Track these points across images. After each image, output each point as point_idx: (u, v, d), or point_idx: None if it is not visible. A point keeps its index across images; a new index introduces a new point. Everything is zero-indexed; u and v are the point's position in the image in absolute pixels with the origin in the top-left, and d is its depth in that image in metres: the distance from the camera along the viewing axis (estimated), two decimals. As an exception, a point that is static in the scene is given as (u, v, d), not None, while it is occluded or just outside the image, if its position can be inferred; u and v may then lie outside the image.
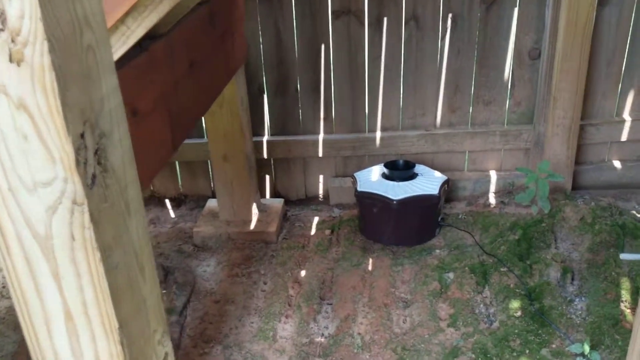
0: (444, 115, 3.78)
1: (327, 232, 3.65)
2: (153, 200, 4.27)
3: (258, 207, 3.78)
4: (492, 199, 3.80)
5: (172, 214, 4.16)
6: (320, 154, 3.89)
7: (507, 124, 3.77)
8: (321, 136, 3.87)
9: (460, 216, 3.61)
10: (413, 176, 3.46)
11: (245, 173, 3.58)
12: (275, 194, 4.12)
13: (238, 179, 3.60)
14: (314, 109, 3.81)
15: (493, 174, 3.84)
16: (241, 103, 3.44)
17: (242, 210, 3.70)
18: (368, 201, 3.40)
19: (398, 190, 3.32)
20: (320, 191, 4.09)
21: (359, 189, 3.41)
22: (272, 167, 4.04)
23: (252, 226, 3.68)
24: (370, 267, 3.28)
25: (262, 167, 4.00)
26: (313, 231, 3.72)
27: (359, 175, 3.60)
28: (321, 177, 4.05)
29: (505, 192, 3.81)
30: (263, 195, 4.11)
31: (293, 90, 3.77)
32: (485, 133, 3.74)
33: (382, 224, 3.40)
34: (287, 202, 4.09)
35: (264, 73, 3.73)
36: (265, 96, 3.81)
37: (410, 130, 3.83)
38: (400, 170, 3.50)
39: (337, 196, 3.95)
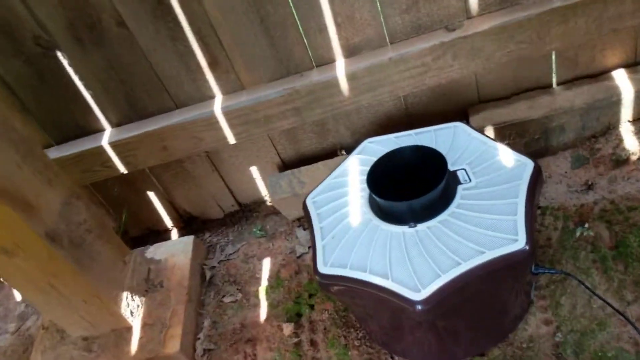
0: (486, -16, 1.51)
1: (289, 328, 1.66)
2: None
3: (139, 286, 1.78)
4: (630, 142, 1.65)
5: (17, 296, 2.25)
6: (232, 139, 1.75)
7: (650, -38, 1.48)
8: (218, 103, 1.69)
9: (576, 232, 1.52)
10: (449, 193, 1.32)
11: (69, 265, 1.54)
12: (179, 215, 2.07)
13: (60, 276, 1.58)
14: (177, 50, 1.61)
15: (622, 81, 1.63)
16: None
17: (102, 317, 1.72)
18: (353, 300, 1.34)
19: (420, 267, 1.23)
20: (263, 191, 2.01)
21: (321, 268, 1.33)
22: (153, 178, 1.94)
23: (132, 347, 1.72)
24: None
25: (133, 184, 1.93)
26: (262, 316, 1.73)
27: (315, 202, 1.48)
28: (255, 170, 1.95)
29: (660, 118, 1.64)
30: (155, 233, 2.08)
31: (111, 24, 1.54)
32: (596, 1, 1.47)
33: (401, 335, 1.37)
34: (207, 224, 2.05)
35: (30, 8, 1.50)
36: (60, 55, 1.60)
37: (410, 40, 1.59)
38: (412, 186, 1.37)
39: (292, 208, 1.87)
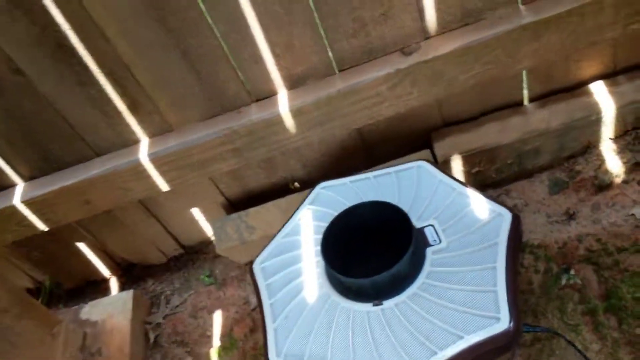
0: (444, -1, 1.29)
1: (245, 402, 1.46)
2: None
3: (73, 359, 1.57)
4: (613, 163, 1.48)
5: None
6: (165, 186, 1.51)
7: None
8: (144, 149, 1.46)
9: (562, 279, 1.35)
10: (417, 259, 1.12)
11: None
12: (116, 263, 1.84)
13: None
14: (88, 95, 1.39)
15: (602, 96, 1.45)
16: None
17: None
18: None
19: (390, 358, 1.03)
20: (209, 231, 1.79)
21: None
22: (81, 229, 1.70)
23: None
24: None
25: (59, 236, 1.70)
26: (215, 383, 1.53)
27: (264, 268, 1.27)
28: (197, 212, 1.73)
29: (645, 134, 1.47)
30: (92, 283, 1.86)
31: (5, 72, 1.30)
32: (572, 13, 1.26)
33: None
34: (149, 271, 1.83)
35: None
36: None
37: (362, 67, 1.37)
38: (373, 249, 1.18)
39: (242, 255, 1.67)
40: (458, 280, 1.10)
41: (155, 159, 1.45)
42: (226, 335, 1.61)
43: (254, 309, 1.64)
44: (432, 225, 1.20)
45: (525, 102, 1.52)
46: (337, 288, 1.17)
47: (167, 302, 1.76)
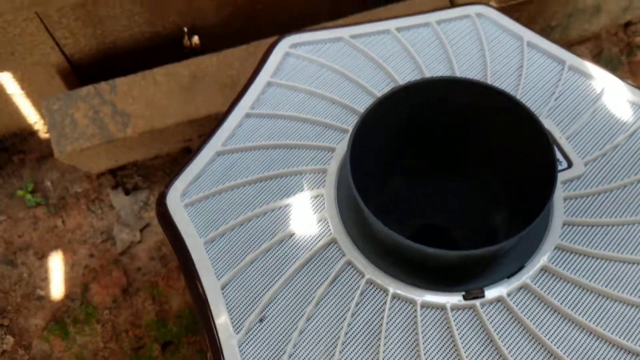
0: None
1: None
2: None
3: None
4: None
5: None
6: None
7: None
8: None
9: None
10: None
11: None
12: None
13: None
14: None
15: None
16: None
17: None
18: None
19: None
20: (31, 115, 1.02)
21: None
22: None
23: None
24: None
25: None
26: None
27: (194, 208, 0.62)
28: (8, 82, 0.93)
29: None
30: None
31: None
32: None
33: None
34: None
35: None
36: None
37: None
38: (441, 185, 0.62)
39: (100, 160, 0.94)
40: (620, 243, 0.56)
41: None
42: (77, 299, 0.92)
43: (124, 252, 0.96)
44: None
45: None
46: (375, 257, 0.55)
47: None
